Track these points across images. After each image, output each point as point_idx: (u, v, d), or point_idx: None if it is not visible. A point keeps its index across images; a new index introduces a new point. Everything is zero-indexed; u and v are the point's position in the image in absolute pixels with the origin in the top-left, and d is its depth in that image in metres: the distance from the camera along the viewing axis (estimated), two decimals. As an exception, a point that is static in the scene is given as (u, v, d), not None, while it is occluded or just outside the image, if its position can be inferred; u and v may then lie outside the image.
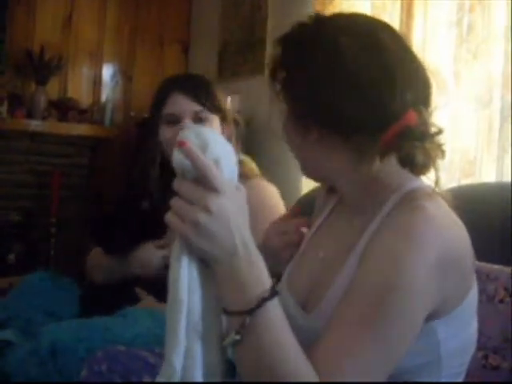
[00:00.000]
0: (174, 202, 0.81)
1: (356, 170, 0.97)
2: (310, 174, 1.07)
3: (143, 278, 1.71)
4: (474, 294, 0.97)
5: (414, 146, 0.88)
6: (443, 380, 0.95)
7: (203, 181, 0.80)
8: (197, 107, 1.68)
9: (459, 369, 0.98)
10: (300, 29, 0.99)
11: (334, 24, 0.98)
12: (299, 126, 0.96)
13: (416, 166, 0.89)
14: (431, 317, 0.89)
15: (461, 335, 0.95)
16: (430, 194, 0.93)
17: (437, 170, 0.90)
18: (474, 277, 0.98)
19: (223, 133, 1.72)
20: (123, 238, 1.78)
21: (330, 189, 1.15)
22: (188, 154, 0.80)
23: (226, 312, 0.83)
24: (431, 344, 0.91)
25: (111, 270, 1.77)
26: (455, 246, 0.90)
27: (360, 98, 0.91)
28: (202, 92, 1.69)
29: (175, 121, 1.69)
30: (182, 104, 1.68)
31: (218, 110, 1.72)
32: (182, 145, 0.81)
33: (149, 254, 1.70)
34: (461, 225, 0.93)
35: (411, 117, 0.90)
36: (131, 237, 1.77)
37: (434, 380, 0.94)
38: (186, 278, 0.83)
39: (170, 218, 0.81)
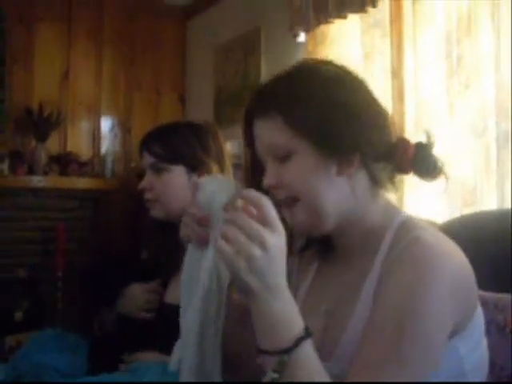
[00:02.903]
0: (229, 232, 0.82)
1: (371, 201, 1.02)
2: (328, 219, 1.01)
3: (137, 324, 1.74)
4: (480, 311, 1.01)
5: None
6: None
7: (260, 216, 0.82)
8: (151, 159, 1.70)
9: None
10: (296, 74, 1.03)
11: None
12: (334, 161, 0.98)
13: None
14: (451, 334, 0.92)
15: (478, 350, 0.99)
16: (421, 223, 1.00)
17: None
18: (477, 293, 1.00)
19: (190, 182, 1.65)
20: (109, 288, 1.81)
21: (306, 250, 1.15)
22: (246, 191, 0.85)
23: (262, 351, 0.85)
24: (455, 361, 0.94)
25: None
26: (460, 267, 0.94)
27: (381, 130, 1.03)
28: (156, 144, 1.70)
29: (144, 174, 1.76)
30: (144, 158, 1.73)
31: (177, 159, 1.68)
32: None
33: (134, 294, 1.74)
34: (454, 244, 0.97)
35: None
36: (119, 284, 1.80)
37: None
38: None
39: (223, 246, 0.81)
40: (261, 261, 0.80)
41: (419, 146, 1.03)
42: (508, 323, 1.32)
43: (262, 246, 0.80)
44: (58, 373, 1.60)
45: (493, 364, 1.28)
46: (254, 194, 0.84)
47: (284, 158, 0.98)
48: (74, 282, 3.53)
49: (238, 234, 0.81)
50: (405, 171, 1.04)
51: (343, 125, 0.97)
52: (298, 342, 0.83)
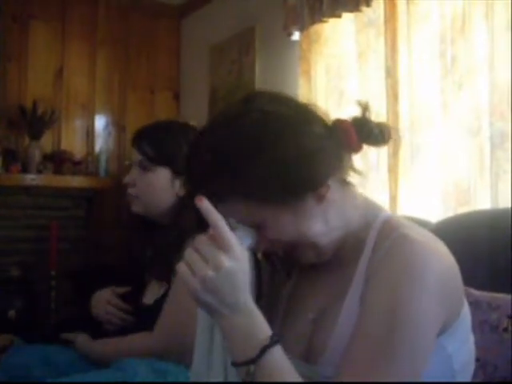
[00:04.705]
0: (189, 255, 0.86)
1: (349, 203, 0.99)
2: (330, 245, 0.99)
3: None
4: (467, 308, 1.00)
5: None
6: None
7: (217, 239, 0.85)
8: (139, 156, 1.69)
9: None
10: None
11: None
12: (308, 198, 0.94)
13: None
14: (438, 332, 0.91)
15: (464, 348, 0.98)
16: (404, 221, 0.98)
17: None
18: (463, 290, 0.99)
19: (172, 186, 1.66)
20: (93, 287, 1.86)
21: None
22: (204, 212, 0.85)
23: (233, 364, 0.87)
24: (444, 359, 0.94)
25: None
26: (447, 264, 0.93)
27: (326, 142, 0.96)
28: (146, 142, 1.68)
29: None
30: (133, 154, 1.73)
31: (165, 161, 1.66)
32: (199, 201, 0.85)
33: (99, 296, 1.78)
34: (440, 242, 0.96)
35: None
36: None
37: None
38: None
39: (182, 268, 0.85)
40: (214, 282, 0.83)
41: (356, 121, 0.99)
42: (501, 322, 1.32)
43: (216, 267, 0.83)
44: (48, 370, 1.61)
45: (486, 363, 1.29)
46: (212, 216, 0.85)
47: (259, 225, 0.95)
48: (67, 281, 3.55)
49: (194, 256, 0.85)
50: (356, 150, 1.00)
51: (299, 174, 0.92)
52: (263, 350, 0.84)
